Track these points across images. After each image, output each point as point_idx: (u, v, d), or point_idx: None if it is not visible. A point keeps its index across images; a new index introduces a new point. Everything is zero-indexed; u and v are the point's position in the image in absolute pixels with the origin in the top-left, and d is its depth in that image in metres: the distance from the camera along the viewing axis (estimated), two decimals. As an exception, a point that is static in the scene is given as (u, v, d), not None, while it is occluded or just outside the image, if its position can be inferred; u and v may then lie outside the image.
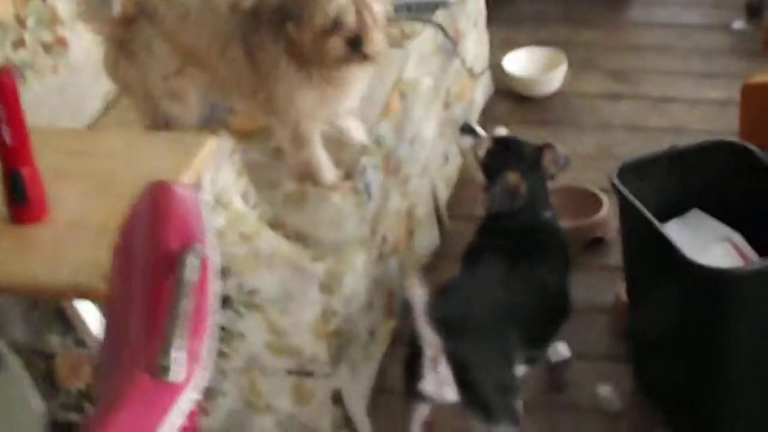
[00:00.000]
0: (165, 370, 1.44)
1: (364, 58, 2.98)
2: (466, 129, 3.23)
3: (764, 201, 3.06)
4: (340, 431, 3.14)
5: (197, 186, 2.45)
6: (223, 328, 2.94)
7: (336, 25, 2.91)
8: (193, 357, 1.51)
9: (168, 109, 3.17)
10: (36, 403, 2.31)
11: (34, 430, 2.25)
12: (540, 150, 3.17)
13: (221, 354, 3.00)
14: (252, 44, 3.08)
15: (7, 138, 2.27)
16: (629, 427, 3.19)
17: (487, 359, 2.76)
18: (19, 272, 2.24)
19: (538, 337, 3.05)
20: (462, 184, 4.18)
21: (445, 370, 2.64)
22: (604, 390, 3.24)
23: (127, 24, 3.20)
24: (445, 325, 2.61)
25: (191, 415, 1.61)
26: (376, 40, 2.97)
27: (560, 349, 3.29)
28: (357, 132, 3.30)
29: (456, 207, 4.04)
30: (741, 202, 3.13)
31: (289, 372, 3.02)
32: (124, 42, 3.21)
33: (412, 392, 2.79)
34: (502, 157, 3.16)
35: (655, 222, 2.87)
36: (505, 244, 3.07)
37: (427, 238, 3.82)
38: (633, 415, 3.21)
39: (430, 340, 2.60)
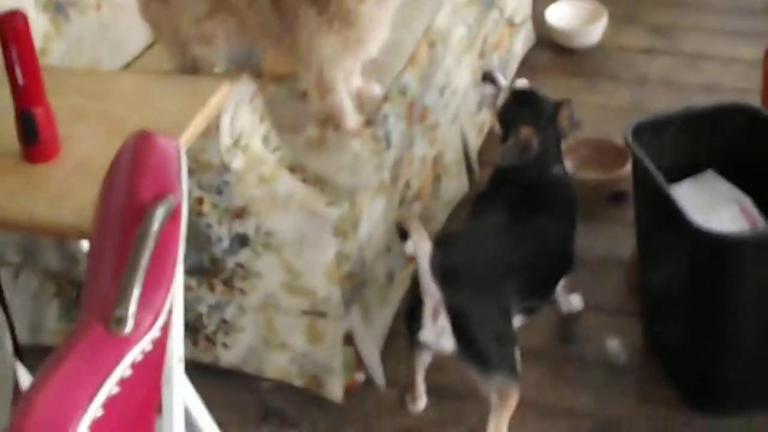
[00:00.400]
0: (118, 322, 1.48)
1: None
2: (488, 77, 3.27)
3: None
4: (352, 372, 3.23)
5: (182, 136, 2.43)
6: (242, 266, 3.09)
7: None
8: (149, 309, 1.57)
9: (196, 52, 3.19)
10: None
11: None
12: (557, 106, 3.20)
13: (240, 291, 3.15)
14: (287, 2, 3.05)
15: (20, 79, 2.32)
16: (631, 382, 3.26)
17: (485, 310, 2.83)
18: (23, 210, 2.30)
19: (538, 289, 3.12)
20: (490, 137, 4.15)
21: (444, 321, 2.73)
22: (612, 344, 3.32)
23: None
24: (443, 275, 2.70)
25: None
26: None
27: (573, 301, 3.38)
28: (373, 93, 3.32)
29: (488, 154, 4.07)
30: (755, 166, 3.18)
31: (303, 312, 3.12)
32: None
33: (412, 341, 2.90)
34: (518, 109, 3.21)
35: (663, 183, 2.93)
36: (510, 196, 3.12)
37: (455, 185, 3.86)
38: (636, 370, 3.28)
39: (431, 291, 2.70)
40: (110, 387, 1.46)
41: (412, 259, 2.79)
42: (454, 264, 2.77)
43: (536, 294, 3.11)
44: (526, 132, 3.12)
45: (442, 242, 2.81)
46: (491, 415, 2.87)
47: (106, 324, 1.48)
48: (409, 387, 3.14)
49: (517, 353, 2.87)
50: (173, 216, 1.68)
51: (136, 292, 1.51)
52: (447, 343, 2.77)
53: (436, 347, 2.83)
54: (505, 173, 3.20)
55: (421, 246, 2.68)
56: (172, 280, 1.69)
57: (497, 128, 3.26)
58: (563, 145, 3.25)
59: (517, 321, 2.98)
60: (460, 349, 2.77)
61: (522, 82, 3.36)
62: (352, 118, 3.20)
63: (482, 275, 2.86)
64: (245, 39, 3.21)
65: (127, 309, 1.49)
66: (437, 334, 2.77)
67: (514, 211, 3.07)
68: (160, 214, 1.62)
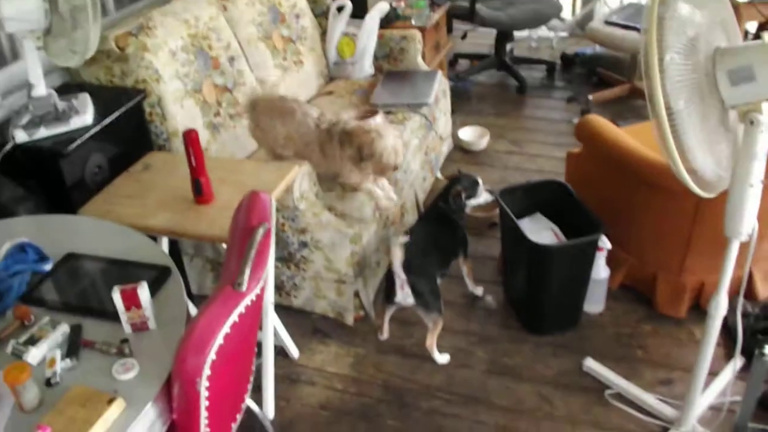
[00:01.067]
0: (239, 285, 1.67)
1: (396, 170, 3.25)
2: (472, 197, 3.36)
3: (570, 209, 3.24)
4: (358, 310, 3.37)
5: (273, 193, 2.62)
6: (303, 257, 3.26)
7: (393, 164, 3.19)
8: (254, 280, 1.72)
9: (280, 154, 3.37)
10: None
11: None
12: (455, 181, 3.34)
13: (303, 269, 3.30)
14: (323, 144, 3.23)
15: (194, 163, 2.55)
16: (497, 318, 3.43)
17: (425, 281, 3.03)
18: (197, 228, 2.51)
19: (444, 265, 3.28)
20: (431, 193, 4.28)
21: (407, 289, 3.01)
22: (489, 298, 3.53)
23: (259, 105, 3.36)
24: (405, 266, 2.96)
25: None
26: (401, 164, 3.22)
27: (477, 290, 3.55)
28: (387, 197, 3.42)
29: (427, 203, 4.01)
30: (560, 209, 3.31)
31: (334, 280, 3.27)
32: (257, 118, 3.37)
33: (389, 300, 3.10)
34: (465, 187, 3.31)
35: (514, 219, 3.12)
36: (431, 223, 3.27)
37: (411, 218, 3.85)
38: (500, 312, 3.46)
39: (400, 275, 2.98)
40: (234, 318, 1.65)
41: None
42: (409, 261, 2.95)
43: (444, 265, 3.27)
44: (456, 191, 3.29)
45: (404, 249, 2.97)
46: (428, 333, 3.09)
47: (233, 285, 1.67)
48: (379, 327, 3.31)
49: (441, 301, 3.10)
50: (267, 233, 1.83)
51: (247, 270, 1.69)
52: (410, 299, 3.02)
53: (404, 303, 3.04)
54: (430, 211, 3.32)
55: (396, 253, 2.94)
56: (266, 265, 1.83)
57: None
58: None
59: (438, 281, 3.17)
60: (416, 302, 3.02)
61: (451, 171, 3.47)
62: (383, 202, 3.40)
63: (422, 263, 3.03)
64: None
65: (244, 278, 1.68)
66: (404, 296, 3.01)
67: (434, 228, 3.24)
68: (260, 231, 1.80)
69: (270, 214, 1.92)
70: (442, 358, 3.13)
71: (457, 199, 3.24)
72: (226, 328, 1.63)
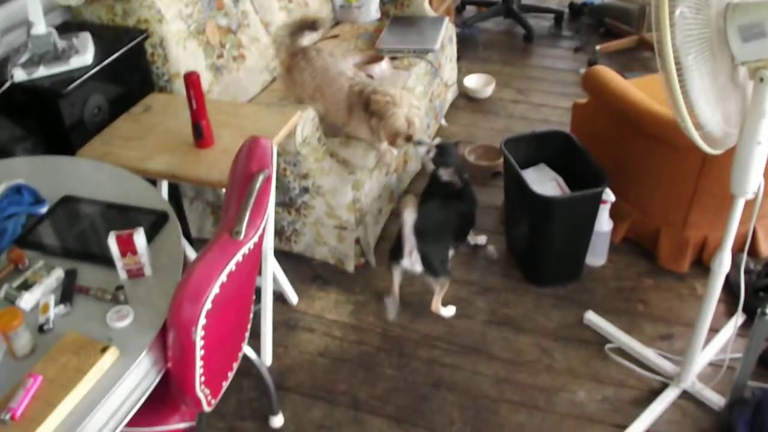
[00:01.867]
0: (237, 233, 1.64)
1: (411, 143, 3.21)
2: (419, 143, 3.28)
3: (574, 161, 3.21)
4: (359, 257, 3.36)
5: (274, 138, 2.60)
6: (305, 203, 3.23)
7: (402, 132, 3.13)
8: (252, 227, 1.70)
9: (299, 97, 3.36)
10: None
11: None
12: (456, 146, 3.31)
13: (304, 215, 3.27)
14: (352, 105, 3.20)
15: (194, 105, 2.50)
16: (500, 268, 3.41)
17: (435, 249, 2.96)
18: (196, 172, 2.48)
19: (459, 236, 3.23)
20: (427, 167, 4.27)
21: (416, 255, 2.89)
22: (491, 248, 3.50)
23: (293, 56, 3.33)
24: (417, 231, 2.85)
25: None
26: (416, 135, 3.18)
27: (479, 239, 3.51)
28: (390, 153, 3.40)
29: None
30: (565, 160, 3.27)
31: (335, 227, 3.25)
32: (290, 66, 3.33)
33: (395, 258, 2.96)
34: (440, 155, 3.25)
35: (518, 169, 3.09)
36: (442, 192, 3.17)
37: (414, 166, 3.87)
38: (502, 261, 3.44)
39: (410, 239, 2.85)
40: (231, 267, 1.62)
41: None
42: (421, 226, 2.86)
43: (459, 239, 3.23)
44: (447, 172, 3.23)
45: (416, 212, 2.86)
46: (435, 296, 3.06)
47: (230, 233, 1.65)
48: (387, 292, 3.16)
49: (449, 265, 3.06)
50: (267, 179, 1.81)
51: (246, 218, 1.67)
52: (418, 266, 2.92)
53: (411, 269, 2.93)
54: (437, 180, 3.24)
55: (408, 214, 2.80)
56: (266, 213, 1.79)
57: (429, 166, 3.29)
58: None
59: (450, 252, 3.14)
60: (424, 268, 2.92)
61: (437, 141, 3.36)
62: (389, 154, 3.40)
63: (433, 231, 2.96)
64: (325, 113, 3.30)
65: (242, 226, 1.66)
66: (412, 262, 2.91)
67: (445, 199, 3.15)
68: (260, 178, 1.77)
69: (270, 161, 1.88)
70: (449, 312, 3.11)
71: (454, 176, 3.20)
72: (222, 277, 1.60)
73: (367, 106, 3.13)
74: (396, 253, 2.92)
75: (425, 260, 2.90)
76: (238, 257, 1.65)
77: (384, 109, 3.08)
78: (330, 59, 3.28)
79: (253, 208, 1.70)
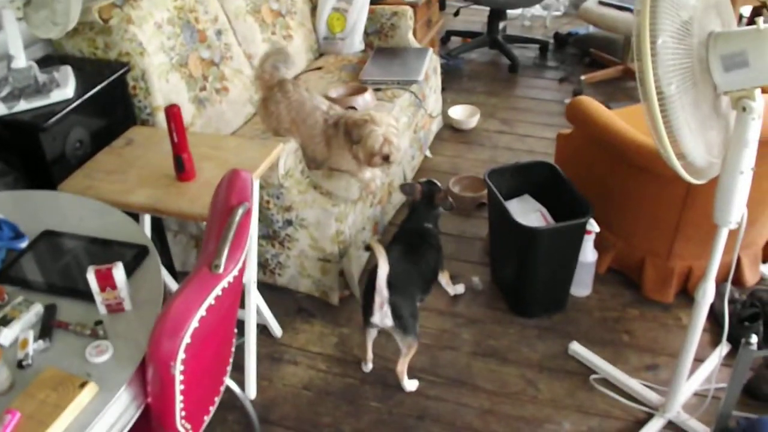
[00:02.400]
0: (216, 267, 1.64)
1: (389, 163, 3.17)
2: (404, 187, 3.23)
3: (559, 192, 3.22)
4: (342, 290, 3.34)
5: (256, 171, 2.57)
6: (288, 235, 3.22)
7: (378, 151, 3.09)
8: (232, 261, 1.69)
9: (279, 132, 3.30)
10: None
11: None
12: (438, 192, 3.19)
13: (288, 248, 3.27)
14: (329, 137, 3.21)
15: (176, 139, 2.47)
16: (484, 299, 3.41)
17: (406, 302, 2.82)
18: (178, 206, 2.45)
19: (426, 287, 3.10)
20: (419, 172, 4.29)
21: (386, 309, 2.75)
22: (475, 279, 3.49)
23: (270, 89, 3.31)
24: (388, 284, 2.71)
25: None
26: (394, 155, 3.13)
27: (458, 289, 3.43)
28: (374, 182, 3.38)
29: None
30: (549, 191, 3.28)
31: (319, 259, 3.24)
32: (266, 97, 3.31)
33: (367, 322, 2.84)
34: (423, 198, 3.18)
35: (501, 200, 3.11)
36: (409, 239, 3.09)
37: (399, 197, 3.85)
38: (487, 293, 3.44)
39: (382, 292, 2.72)
40: (210, 301, 1.62)
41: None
42: (391, 279, 2.73)
43: (425, 290, 3.10)
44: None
45: (376, 269, 2.73)
46: (401, 359, 2.90)
47: (210, 267, 1.65)
48: (361, 353, 3.09)
49: (418, 324, 2.91)
50: (247, 213, 1.80)
51: (225, 251, 1.66)
52: (388, 321, 2.79)
53: (381, 324, 2.81)
54: (405, 227, 3.21)
55: (383, 264, 2.68)
56: (246, 246, 1.78)
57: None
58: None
59: (417, 304, 2.96)
60: (395, 324, 2.80)
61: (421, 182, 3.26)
62: (373, 184, 3.38)
63: (402, 284, 2.83)
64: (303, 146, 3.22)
65: (221, 260, 1.65)
66: (382, 317, 2.77)
67: (413, 246, 3.07)
68: (240, 212, 1.77)
69: (251, 194, 1.87)
70: (411, 385, 2.96)
71: (445, 200, 3.19)
72: (201, 311, 1.60)
73: (347, 133, 3.12)
74: (366, 313, 2.82)
75: (396, 313, 2.78)
76: (218, 291, 1.65)
77: (362, 128, 3.07)
78: (306, 94, 3.28)
79: (232, 242, 1.70)
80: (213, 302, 1.64)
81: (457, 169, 4.38)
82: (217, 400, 2.06)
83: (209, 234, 1.83)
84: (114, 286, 1.81)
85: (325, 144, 3.22)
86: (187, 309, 1.57)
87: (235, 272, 1.73)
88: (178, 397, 1.70)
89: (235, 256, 1.71)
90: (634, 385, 2.86)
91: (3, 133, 2.65)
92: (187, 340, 1.57)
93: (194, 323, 1.58)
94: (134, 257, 2.03)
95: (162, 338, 1.54)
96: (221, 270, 1.66)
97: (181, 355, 1.59)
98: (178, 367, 1.61)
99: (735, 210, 2.13)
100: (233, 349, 2.17)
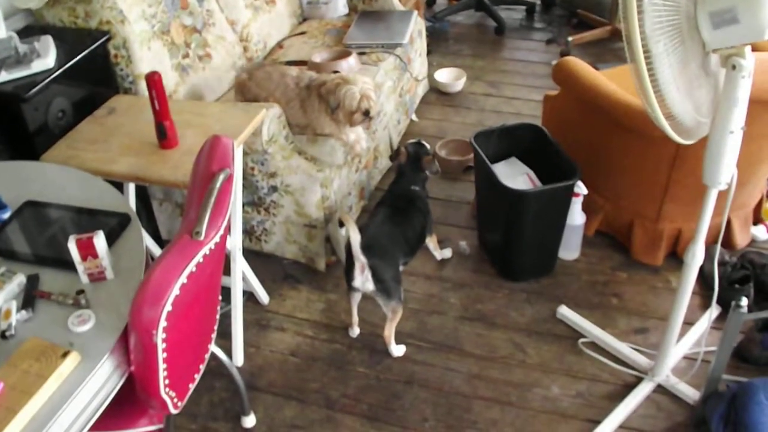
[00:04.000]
0: (197, 234, 1.65)
1: (370, 118, 3.18)
2: (393, 155, 3.30)
3: (546, 154, 3.22)
4: (329, 255, 3.36)
5: (239, 137, 2.58)
6: (273, 202, 3.24)
7: (357, 108, 3.10)
8: (213, 227, 1.70)
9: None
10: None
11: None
12: (426, 156, 3.20)
13: (273, 214, 3.28)
14: (303, 100, 3.20)
15: (157, 107, 2.48)
16: (471, 263, 3.42)
17: (387, 266, 2.84)
18: (161, 173, 2.46)
19: (410, 251, 3.10)
20: (405, 136, 4.26)
21: (367, 273, 2.78)
22: (462, 244, 3.51)
23: (243, 84, 3.31)
24: (366, 249, 2.75)
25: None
26: (374, 110, 3.14)
27: (445, 253, 3.45)
28: (359, 144, 3.35)
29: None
30: (535, 154, 3.30)
31: (304, 225, 3.26)
32: (241, 89, 3.32)
33: (349, 286, 2.86)
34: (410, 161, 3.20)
35: (488, 163, 3.10)
36: (394, 203, 3.11)
37: (384, 162, 3.88)
38: (474, 257, 3.45)
39: (359, 258, 2.74)
40: (191, 268, 1.62)
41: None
42: (369, 243, 2.78)
43: (409, 253, 3.09)
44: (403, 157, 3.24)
45: (362, 230, 2.79)
46: (387, 323, 2.93)
47: (191, 234, 1.65)
48: (348, 319, 3.11)
49: (402, 287, 2.93)
50: (228, 179, 1.79)
51: (206, 218, 1.67)
52: (369, 285, 2.81)
53: (362, 289, 2.84)
54: (395, 193, 3.20)
55: (353, 233, 2.71)
56: (227, 212, 1.77)
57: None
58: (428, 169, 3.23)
59: (401, 268, 2.99)
60: (376, 288, 2.82)
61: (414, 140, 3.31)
62: (358, 146, 3.36)
63: (384, 247, 2.87)
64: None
65: (202, 226, 1.66)
66: (363, 281, 2.80)
67: (398, 209, 3.08)
68: (220, 177, 1.77)
69: (232, 160, 1.86)
70: (398, 350, 2.98)
71: (431, 164, 3.20)
72: (182, 279, 1.60)
73: (321, 98, 3.14)
74: (349, 273, 2.84)
75: (377, 277, 2.81)
76: (199, 258, 1.65)
77: (337, 90, 3.08)
78: (271, 67, 3.31)
79: (213, 208, 1.70)
80: (194, 269, 1.64)
81: (443, 132, 4.39)
82: (202, 368, 2.08)
83: (190, 201, 1.83)
84: (95, 255, 1.82)
85: (300, 107, 3.22)
86: (167, 277, 1.58)
87: (217, 239, 1.73)
88: (161, 365, 1.71)
89: (216, 222, 1.72)
90: (623, 348, 2.88)
91: (-16, 104, 2.63)
92: (168, 307, 1.57)
93: (175, 291, 1.58)
94: (116, 226, 2.03)
95: (143, 306, 1.55)
96: (202, 237, 1.66)
97: (163, 323, 1.59)
98: (160, 335, 1.62)
99: (724, 170, 2.12)
100: (218, 317, 2.18)
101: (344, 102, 3.09)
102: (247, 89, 3.28)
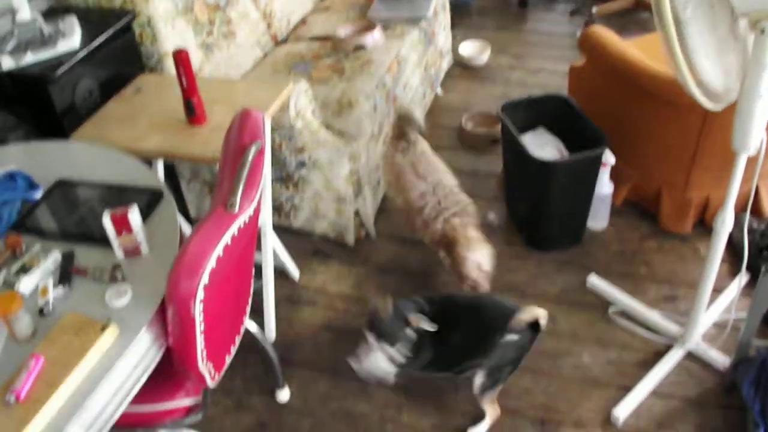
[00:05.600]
0: (231, 206, 1.65)
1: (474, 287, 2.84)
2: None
3: (573, 125, 3.20)
4: (359, 230, 3.38)
5: (267, 111, 2.58)
6: (302, 177, 3.24)
7: (468, 278, 2.83)
8: (246, 199, 1.70)
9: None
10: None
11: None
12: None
13: (302, 190, 3.28)
14: (424, 227, 2.99)
15: (185, 83, 2.50)
16: (500, 234, 3.41)
17: None
18: (190, 149, 2.49)
19: None
20: (431, 110, 4.31)
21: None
22: (491, 215, 3.52)
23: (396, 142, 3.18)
24: None
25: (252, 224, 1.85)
26: (483, 287, 2.85)
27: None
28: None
29: (426, 121, 4.12)
30: (563, 124, 3.28)
31: (333, 200, 3.26)
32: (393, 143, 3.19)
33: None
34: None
35: (516, 133, 3.10)
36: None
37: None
38: (504, 228, 3.45)
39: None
40: (226, 239, 1.62)
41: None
42: None
43: None
44: None
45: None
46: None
47: (225, 207, 1.66)
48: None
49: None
50: (259, 151, 1.80)
51: (240, 190, 1.68)
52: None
53: None
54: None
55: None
56: (260, 184, 1.79)
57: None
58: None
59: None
60: None
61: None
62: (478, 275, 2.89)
63: None
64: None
65: (236, 198, 1.66)
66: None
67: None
68: (253, 149, 1.78)
69: (263, 132, 1.88)
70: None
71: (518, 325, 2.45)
72: (218, 250, 1.60)
73: (447, 246, 2.90)
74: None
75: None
76: (233, 230, 1.66)
77: (458, 252, 2.83)
78: (405, 162, 3.11)
79: (246, 180, 1.71)
80: (229, 242, 1.65)
81: (469, 105, 4.37)
82: (237, 339, 2.09)
83: (223, 174, 1.84)
84: (130, 230, 1.83)
85: (423, 226, 3.02)
86: (204, 248, 1.58)
87: (251, 212, 1.74)
88: (199, 337, 1.72)
89: (249, 194, 1.73)
90: (653, 316, 2.88)
91: (12, 86, 2.66)
92: (205, 280, 1.57)
93: (211, 263, 1.58)
94: (149, 201, 2.05)
95: (180, 278, 1.55)
96: (236, 209, 1.66)
97: (200, 295, 1.60)
98: (198, 307, 1.63)
99: (754, 135, 2.10)
100: (251, 291, 2.19)
101: (461, 270, 2.84)
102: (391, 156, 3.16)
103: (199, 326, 1.69)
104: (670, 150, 3.10)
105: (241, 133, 1.88)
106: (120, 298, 1.75)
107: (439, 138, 4.10)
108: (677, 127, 3.00)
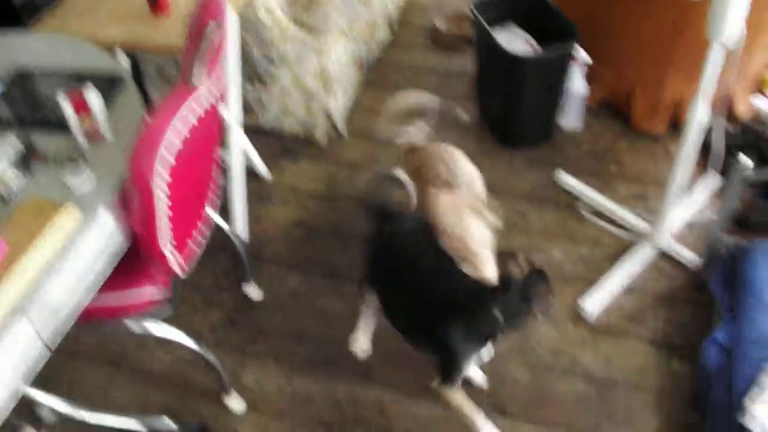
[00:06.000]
0: (192, 78, 1.63)
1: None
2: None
3: (543, 18, 3.17)
4: (329, 129, 3.36)
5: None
6: (269, 73, 3.18)
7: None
8: (207, 74, 1.69)
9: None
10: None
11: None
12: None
13: (268, 85, 3.22)
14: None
15: None
16: (472, 133, 3.38)
17: None
18: (153, 39, 2.43)
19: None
20: (404, 9, 4.21)
21: None
22: (462, 113, 3.46)
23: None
24: None
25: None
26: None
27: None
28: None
29: (401, 21, 4.14)
30: (535, 20, 3.23)
31: (302, 96, 3.22)
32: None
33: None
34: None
35: (487, 27, 3.09)
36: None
37: (382, 36, 3.84)
38: (475, 127, 3.42)
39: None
40: (190, 118, 1.60)
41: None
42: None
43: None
44: None
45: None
46: None
47: (187, 82, 1.66)
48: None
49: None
50: (221, 29, 1.79)
51: (200, 64, 1.66)
52: None
53: None
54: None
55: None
56: (219, 62, 1.77)
57: None
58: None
59: None
60: None
61: None
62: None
63: None
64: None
65: (197, 71, 1.66)
66: None
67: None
68: (212, 25, 1.77)
69: (224, 12, 1.86)
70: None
71: (546, 301, 1.96)
72: (183, 130, 1.59)
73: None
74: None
75: None
76: (197, 107, 1.64)
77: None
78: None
79: (207, 55, 1.69)
80: (195, 123, 1.63)
81: (441, 4, 4.29)
82: (202, 227, 2.07)
83: (186, 55, 1.82)
84: (88, 110, 1.79)
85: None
86: (164, 120, 1.56)
87: (215, 92, 1.73)
88: (163, 219, 1.69)
89: (212, 70, 1.71)
90: (624, 213, 2.89)
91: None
92: (167, 157, 1.55)
93: (173, 138, 1.56)
94: (110, 87, 2.01)
95: (141, 153, 1.53)
96: (198, 82, 1.65)
97: (160, 170, 1.56)
98: (159, 185, 1.59)
99: (729, 22, 2.06)
100: (217, 180, 2.17)
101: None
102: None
103: (160, 205, 1.65)
104: (645, 48, 3.06)
105: (203, 14, 1.85)
106: (83, 182, 1.72)
107: (411, 38, 4.04)
108: (652, 22, 2.95)
